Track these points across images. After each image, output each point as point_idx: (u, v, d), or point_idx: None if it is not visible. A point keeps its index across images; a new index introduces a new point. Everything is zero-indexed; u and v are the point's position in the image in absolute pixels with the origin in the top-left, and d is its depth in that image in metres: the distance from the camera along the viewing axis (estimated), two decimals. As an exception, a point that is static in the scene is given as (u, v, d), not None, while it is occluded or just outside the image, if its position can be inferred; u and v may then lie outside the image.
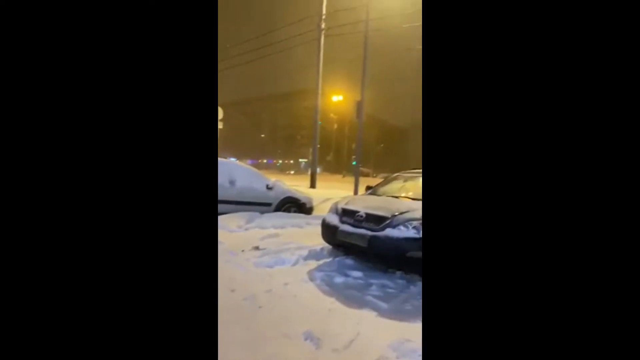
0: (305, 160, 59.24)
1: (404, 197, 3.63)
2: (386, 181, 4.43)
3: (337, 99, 26.55)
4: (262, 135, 66.58)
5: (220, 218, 5.15)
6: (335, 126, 38.89)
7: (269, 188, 6.03)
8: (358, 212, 3.30)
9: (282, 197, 6.13)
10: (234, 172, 5.89)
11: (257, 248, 4.20)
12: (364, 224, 3.19)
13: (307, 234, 5.24)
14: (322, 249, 4.00)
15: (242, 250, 4.04)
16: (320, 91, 10.76)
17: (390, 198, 3.61)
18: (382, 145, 55.19)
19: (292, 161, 59.81)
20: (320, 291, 2.87)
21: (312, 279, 3.11)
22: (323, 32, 10.22)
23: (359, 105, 9.26)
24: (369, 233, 3.08)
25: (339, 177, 29.51)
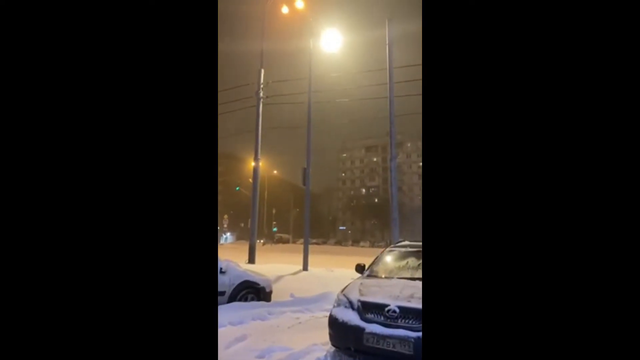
0: (218, 228, 54.91)
1: (418, 278, 3.14)
2: (380, 258, 3.92)
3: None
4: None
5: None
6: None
7: (221, 272, 4.84)
8: (387, 305, 2.65)
9: (237, 282, 4.97)
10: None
11: (230, 366, 3.07)
12: (400, 322, 2.53)
13: (277, 329, 4.22)
14: (325, 356, 3.10)
15: (212, 374, 2.85)
16: (259, 157, 10.23)
17: (408, 281, 3.08)
18: (297, 210, 55.88)
19: (202, 229, 54.59)
20: None
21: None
22: (262, 100, 10.13)
23: (305, 172, 8.98)
24: (412, 334, 2.42)
25: (259, 244, 27.72)
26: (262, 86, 10.19)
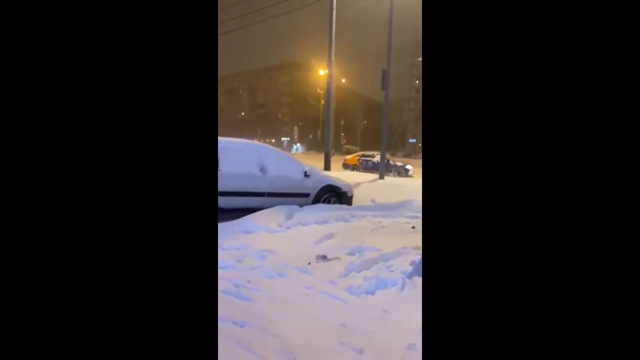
0: (288, 138, 57.63)
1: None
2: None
3: (325, 72, 25.34)
4: (242, 114, 64.13)
5: (257, 215, 4.16)
6: (322, 102, 37.51)
7: (306, 175, 4.96)
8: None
9: (320, 185, 5.09)
10: (264, 157, 4.74)
11: (324, 258, 3.29)
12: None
13: (361, 230, 4.33)
14: (420, 260, 3.09)
15: (309, 263, 3.14)
16: (332, 60, 9.49)
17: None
18: (365, 122, 54.45)
19: (273, 140, 57.85)
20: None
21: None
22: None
23: (385, 74, 8.13)
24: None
25: (329, 155, 28.50)
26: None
